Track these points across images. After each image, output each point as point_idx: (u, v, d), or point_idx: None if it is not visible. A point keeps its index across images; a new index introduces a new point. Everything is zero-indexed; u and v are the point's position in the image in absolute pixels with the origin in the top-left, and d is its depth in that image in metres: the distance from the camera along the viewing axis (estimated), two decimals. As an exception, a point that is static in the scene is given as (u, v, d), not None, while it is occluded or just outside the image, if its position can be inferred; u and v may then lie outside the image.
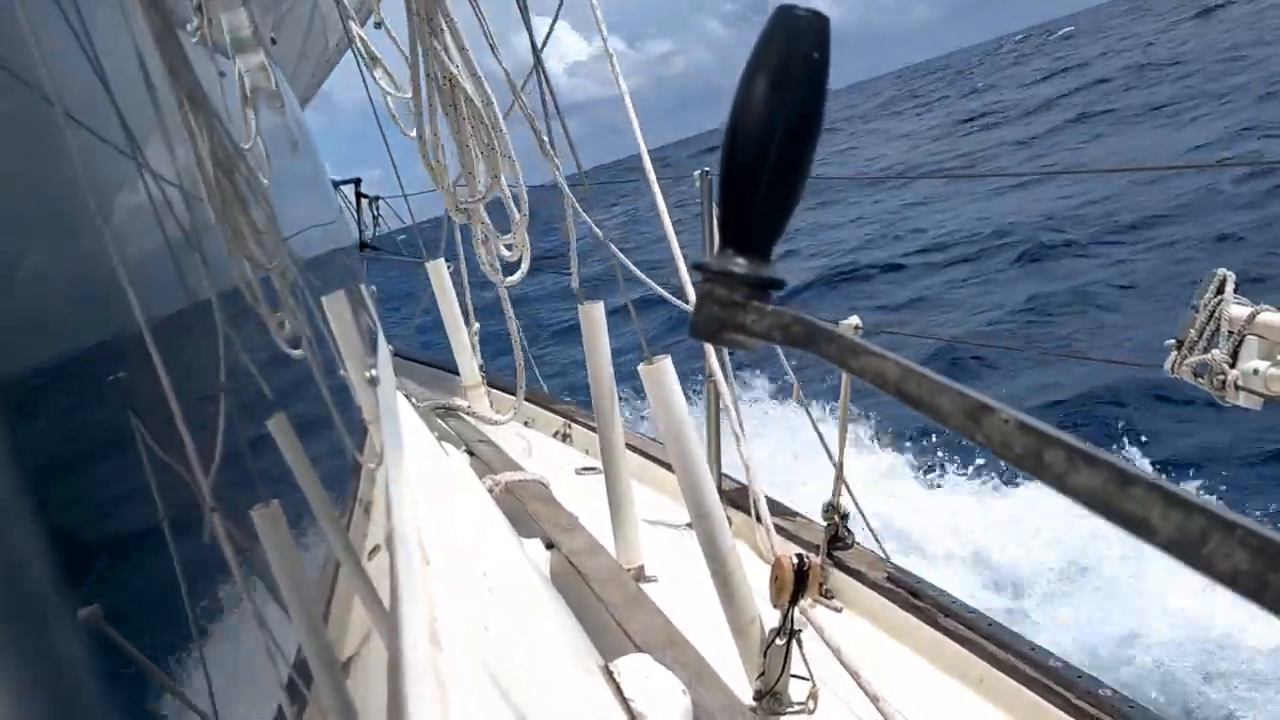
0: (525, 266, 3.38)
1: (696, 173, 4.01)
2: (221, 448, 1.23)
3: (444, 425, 5.18)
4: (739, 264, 0.60)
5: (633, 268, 3.61)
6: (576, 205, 3.35)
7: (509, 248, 3.36)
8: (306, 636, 1.15)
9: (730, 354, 3.54)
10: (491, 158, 2.88)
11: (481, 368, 5.91)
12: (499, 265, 3.50)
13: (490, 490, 3.41)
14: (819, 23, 0.58)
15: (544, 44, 3.22)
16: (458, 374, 5.98)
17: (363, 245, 9.13)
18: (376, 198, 9.19)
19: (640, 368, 2.87)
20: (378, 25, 3.60)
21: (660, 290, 3.61)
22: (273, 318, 1.66)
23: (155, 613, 1.21)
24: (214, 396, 1.39)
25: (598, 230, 3.40)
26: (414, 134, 3.32)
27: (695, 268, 0.62)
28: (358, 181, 9.35)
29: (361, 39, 3.69)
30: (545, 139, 3.13)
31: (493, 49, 2.95)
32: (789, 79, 0.58)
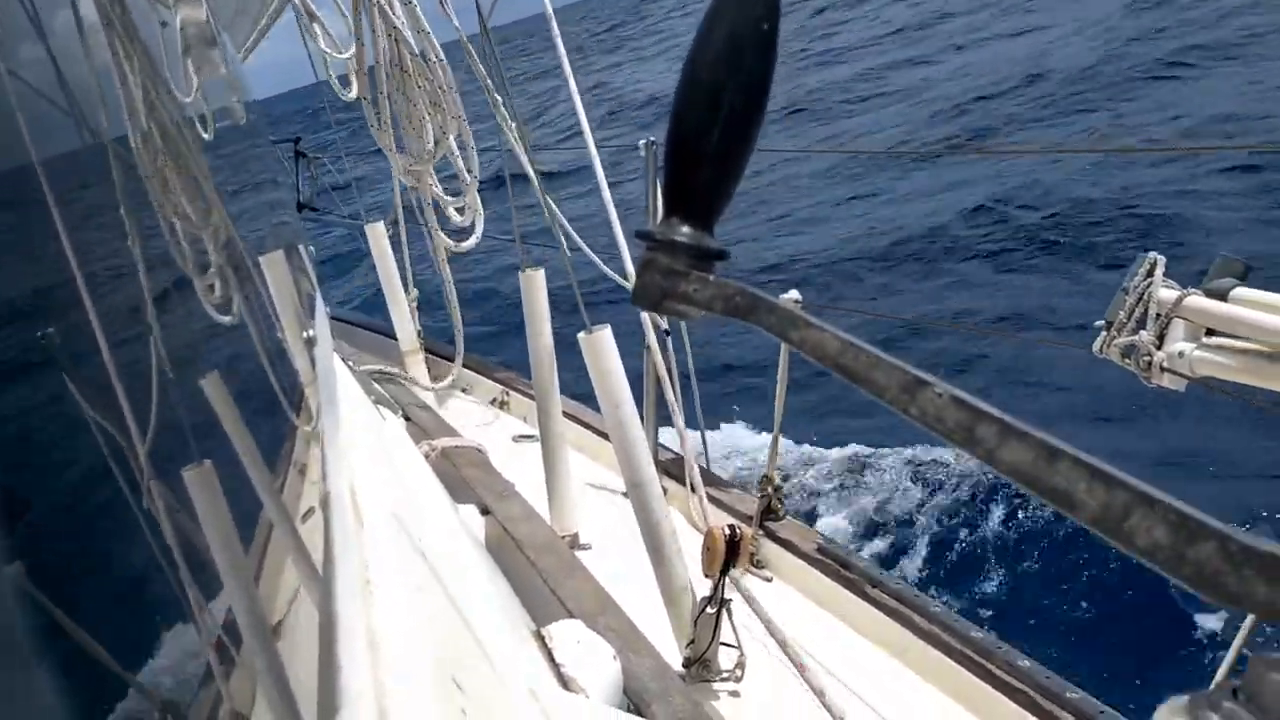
0: (479, 231, 3.33)
1: (642, 141, 3.99)
2: (155, 408, 1.20)
3: (381, 390, 5.12)
4: (683, 233, 0.60)
5: (576, 237, 3.59)
6: (532, 174, 3.30)
7: (460, 211, 3.31)
8: (237, 597, 1.14)
9: (669, 325, 3.55)
10: (440, 118, 2.84)
11: (420, 334, 5.85)
12: (438, 228, 3.45)
13: (426, 456, 3.38)
14: None
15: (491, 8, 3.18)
16: (396, 339, 5.92)
17: (301, 206, 8.96)
18: (315, 157, 9.00)
19: (580, 336, 2.87)
20: None
21: (600, 263, 3.59)
22: (203, 280, 1.62)
23: (83, 573, 1.18)
24: (147, 356, 1.36)
25: (551, 205, 3.36)
26: (352, 94, 3.25)
27: (639, 235, 0.62)
28: (296, 140, 9.15)
29: (300, -2, 3.60)
30: (497, 98, 3.08)
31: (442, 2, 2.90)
32: (738, 49, 0.58)
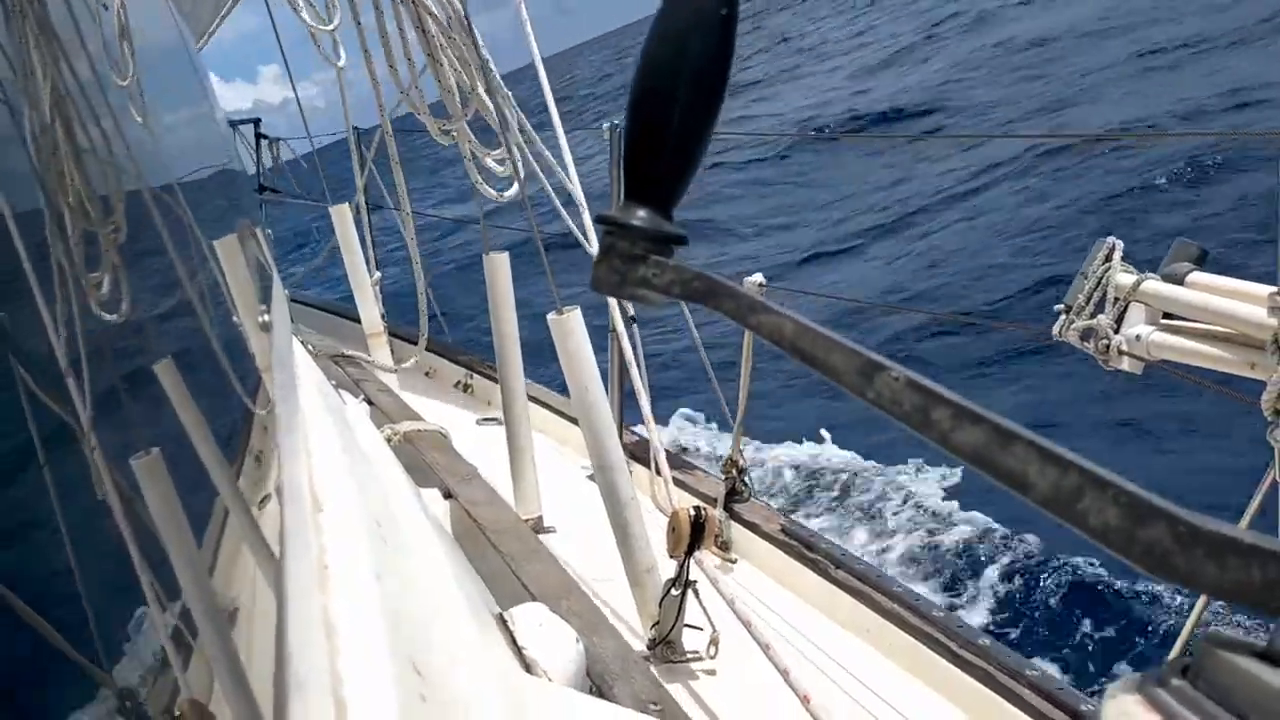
0: (521, 180, 3.28)
1: (605, 125, 3.98)
2: (104, 394, 1.18)
3: (343, 373, 5.09)
4: (641, 217, 0.60)
5: (554, 198, 3.56)
6: (522, 141, 3.25)
7: (500, 163, 3.29)
8: (191, 586, 1.12)
9: (635, 309, 3.55)
10: (468, 74, 2.82)
11: (383, 316, 5.81)
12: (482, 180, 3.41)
13: (388, 440, 3.37)
14: None
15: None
16: (359, 321, 5.87)
17: (261, 188, 8.86)
18: (276, 139, 8.89)
19: (549, 318, 2.86)
20: None
21: (577, 231, 3.56)
22: (91, 278, 1.57)
23: (39, 566, 1.17)
24: (95, 340, 1.34)
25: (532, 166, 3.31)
26: (341, 64, 3.23)
27: (598, 219, 0.62)
28: (257, 122, 9.03)
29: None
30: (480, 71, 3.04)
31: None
32: (696, 34, 0.58)
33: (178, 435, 1.24)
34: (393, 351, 5.69)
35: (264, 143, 8.92)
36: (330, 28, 3.67)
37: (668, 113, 0.59)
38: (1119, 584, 5.48)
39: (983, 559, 6.09)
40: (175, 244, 1.69)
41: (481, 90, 2.92)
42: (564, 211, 3.27)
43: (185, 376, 1.27)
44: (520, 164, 3.16)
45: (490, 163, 3.28)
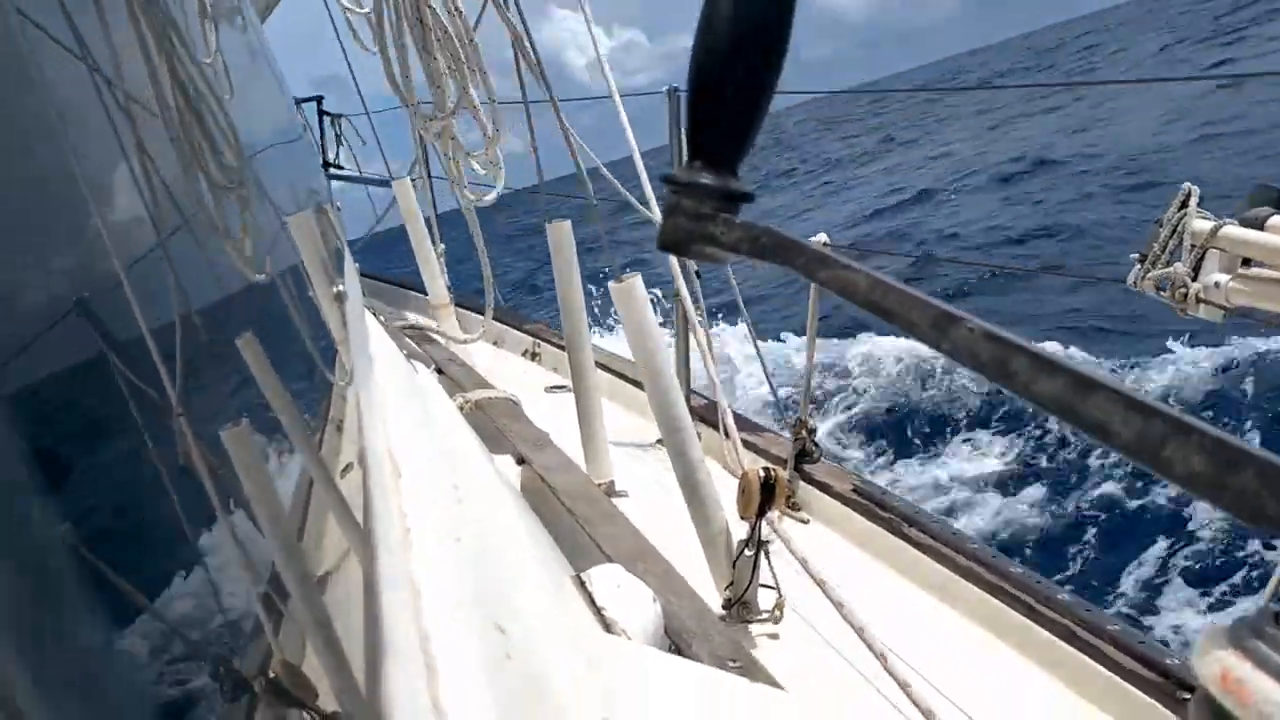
0: (500, 185, 3.32)
1: (665, 89, 3.96)
2: (191, 369, 1.22)
3: (413, 344, 5.16)
4: (707, 176, 0.60)
5: (610, 176, 3.57)
6: (562, 119, 3.27)
7: (484, 164, 3.31)
8: (280, 553, 1.16)
9: (697, 272, 3.54)
10: (460, 72, 2.82)
11: (449, 287, 5.87)
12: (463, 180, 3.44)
13: (460, 408, 3.42)
14: None
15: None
16: (426, 294, 5.94)
17: (326, 164, 8.97)
18: (339, 115, 8.99)
19: (610, 285, 2.87)
20: None
21: (635, 201, 3.57)
22: (232, 240, 1.63)
23: (129, 534, 1.21)
24: (181, 319, 1.38)
25: (578, 141, 3.33)
26: (375, 47, 3.24)
27: (664, 179, 0.62)
28: (320, 99, 9.13)
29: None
30: (526, 45, 3.05)
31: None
32: None
33: (263, 406, 1.27)
34: (460, 322, 5.76)
35: (325, 120, 9.02)
36: (365, 11, 3.67)
37: (730, 71, 0.59)
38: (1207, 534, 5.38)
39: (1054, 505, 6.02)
40: (254, 221, 1.73)
41: (473, 91, 2.91)
42: (624, 189, 3.26)
43: (267, 349, 1.31)
44: (501, 170, 3.16)
45: (474, 164, 3.28)
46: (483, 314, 5.07)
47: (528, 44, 3.04)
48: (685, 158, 0.62)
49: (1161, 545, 5.44)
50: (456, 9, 2.71)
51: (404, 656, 0.56)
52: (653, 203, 3.20)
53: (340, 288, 1.73)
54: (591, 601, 1.55)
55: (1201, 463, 0.35)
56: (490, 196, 3.45)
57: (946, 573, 2.78)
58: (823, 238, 3.10)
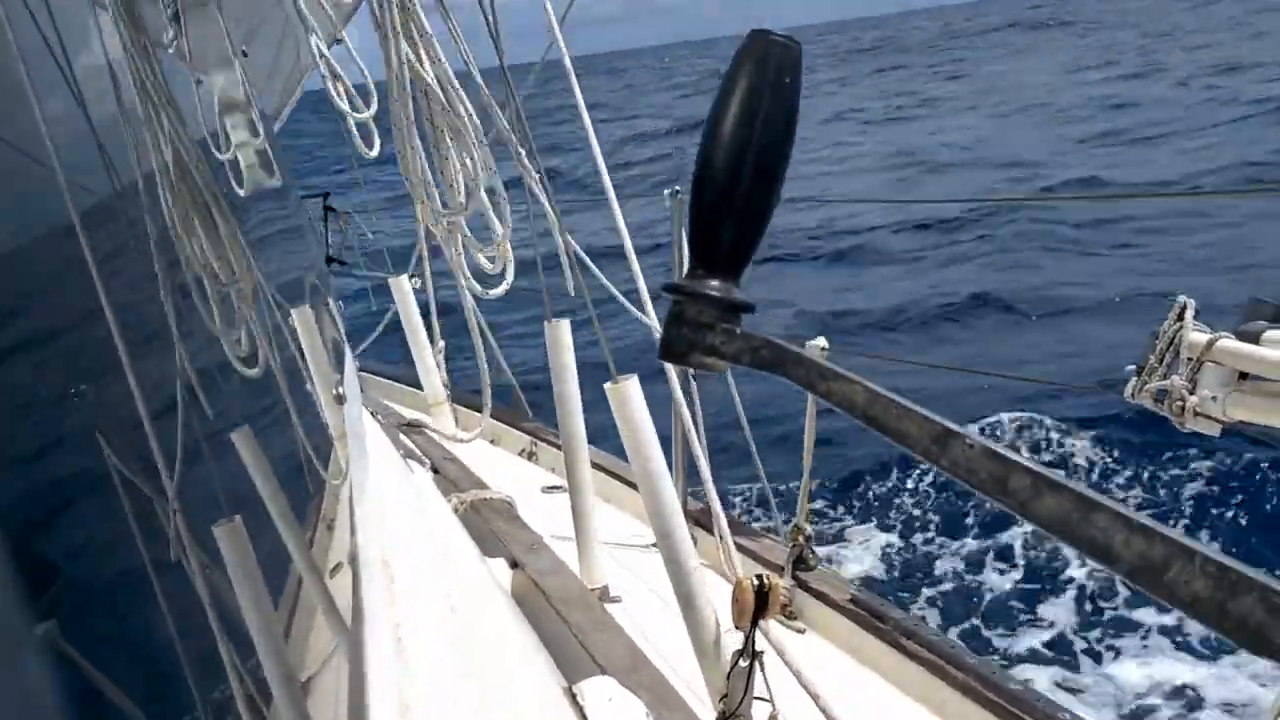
0: (510, 279, 3.32)
1: (666, 191, 4.01)
2: (185, 464, 1.21)
3: (409, 442, 5.14)
4: (710, 286, 0.61)
5: (606, 282, 3.59)
6: (556, 223, 3.31)
7: (490, 259, 3.33)
8: (267, 654, 1.14)
9: (693, 375, 3.54)
10: (471, 166, 2.86)
11: (446, 384, 5.86)
12: (469, 276, 3.46)
13: (455, 509, 3.38)
14: (792, 48, 0.59)
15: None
16: (420, 388, 5.94)
17: (329, 260, 9.07)
18: (344, 212, 9.13)
19: (607, 387, 2.87)
20: (337, 42, 3.57)
21: (633, 309, 3.59)
22: (229, 335, 1.63)
23: (115, 630, 1.19)
24: (177, 412, 1.37)
25: (573, 244, 3.37)
26: (373, 153, 3.30)
27: (666, 289, 0.63)
28: (325, 195, 9.29)
29: (323, 55, 3.66)
30: (521, 150, 3.10)
31: (466, 63, 2.93)
32: (761, 104, 0.59)
33: (255, 502, 1.26)
34: (456, 419, 5.73)
35: (330, 215, 9.16)
36: (366, 115, 3.72)
37: (735, 181, 0.60)
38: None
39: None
40: (257, 315, 1.74)
41: (483, 191, 2.95)
42: (619, 295, 3.27)
43: (261, 443, 1.30)
44: (510, 264, 3.19)
45: (482, 259, 3.31)
46: (480, 411, 5.05)
47: (528, 161, 3.10)
48: (687, 264, 0.63)
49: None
50: (467, 110, 2.77)
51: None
52: (648, 305, 3.22)
53: (340, 388, 1.73)
54: (583, 716, 1.51)
55: (1205, 587, 0.35)
56: (499, 290, 3.46)
57: (944, 688, 2.72)
58: (821, 342, 3.11)
